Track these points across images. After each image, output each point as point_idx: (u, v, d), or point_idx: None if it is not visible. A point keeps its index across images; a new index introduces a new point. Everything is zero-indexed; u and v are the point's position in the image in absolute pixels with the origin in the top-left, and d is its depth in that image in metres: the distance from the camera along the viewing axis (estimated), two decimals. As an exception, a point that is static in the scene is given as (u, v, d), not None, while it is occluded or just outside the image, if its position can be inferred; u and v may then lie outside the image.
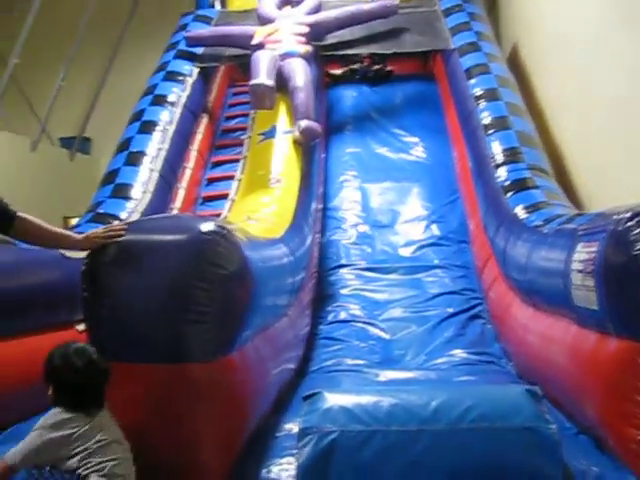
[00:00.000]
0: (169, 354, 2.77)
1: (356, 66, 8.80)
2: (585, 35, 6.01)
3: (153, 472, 2.77)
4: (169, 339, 2.76)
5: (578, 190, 6.12)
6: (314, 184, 6.61)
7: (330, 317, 5.72)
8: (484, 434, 2.65)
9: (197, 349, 2.78)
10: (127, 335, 2.78)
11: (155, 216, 3.67)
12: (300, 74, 6.75)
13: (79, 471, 2.48)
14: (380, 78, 8.66)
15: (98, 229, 3.00)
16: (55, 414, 2.56)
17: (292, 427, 3.26)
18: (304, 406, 2.91)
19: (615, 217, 2.95)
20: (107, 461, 2.50)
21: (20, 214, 2.84)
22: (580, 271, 3.16)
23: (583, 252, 3.18)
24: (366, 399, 2.86)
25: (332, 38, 7.99)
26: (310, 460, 2.70)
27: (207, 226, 2.91)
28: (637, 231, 2.78)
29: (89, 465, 2.48)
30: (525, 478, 2.59)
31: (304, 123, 6.35)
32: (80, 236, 2.97)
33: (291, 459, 2.89)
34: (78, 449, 2.50)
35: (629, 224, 2.82)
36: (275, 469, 2.88)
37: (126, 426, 2.75)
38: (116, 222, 3.00)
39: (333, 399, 2.87)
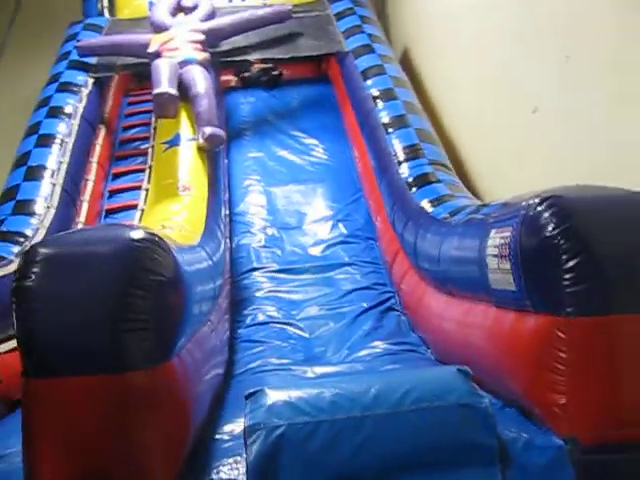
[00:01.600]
0: (109, 364, 2.75)
1: (247, 74, 8.85)
2: (472, 34, 6.35)
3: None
4: (108, 349, 2.74)
5: (475, 185, 6.44)
6: (221, 190, 6.65)
7: (248, 320, 5.76)
8: (424, 414, 2.80)
9: (138, 356, 2.77)
10: (64, 349, 2.75)
11: (82, 227, 3.64)
12: (201, 81, 6.76)
13: None
14: (273, 82, 8.75)
15: None
16: None
17: (233, 428, 3.30)
18: (247, 404, 2.97)
19: (525, 203, 3.17)
20: None
21: None
22: (495, 256, 3.37)
23: (497, 237, 3.39)
24: (308, 392, 2.95)
25: (227, 45, 8.05)
26: (260, 456, 2.77)
27: (138, 234, 2.93)
28: (546, 215, 3.00)
29: None
30: (465, 451, 2.77)
31: (208, 130, 6.38)
32: None
33: (238, 458, 2.92)
34: None
35: (539, 209, 3.04)
36: (225, 469, 2.91)
37: (71, 439, 2.74)
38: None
39: (276, 395, 2.95)
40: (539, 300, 3.03)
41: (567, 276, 2.88)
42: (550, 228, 2.96)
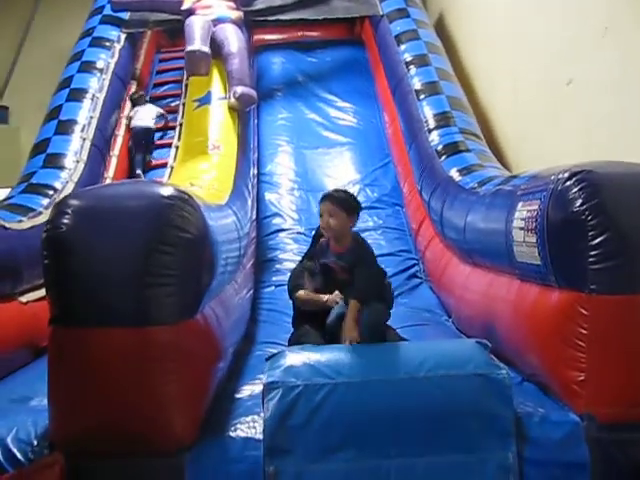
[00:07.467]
0: (135, 318, 2.80)
1: None
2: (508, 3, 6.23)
3: (121, 436, 2.83)
4: (135, 303, 2.79)
5: (505, 153, 6.38)
6: (250, 150, 6.66)
7: (272, 281, 5.81)
8: (440, 381, 2.82)
9: (163, 312, 2.81)
10: (92, 300, 2.80)
11: (114, 182, 3.67)
12: (234, 40, 6.74)
13: None
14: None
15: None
16: None
17: (253, 389, 3.35)
18: (267, 364, 3.02)
19: (554, 177, 3.13)
20: None
21: None
22: (522, 228, 3.36)
23: (524, 210, 3.37)
24: (327, 355, 2.99)
25: (261, 3, 7.98)
26: (276, 413, 2.82)
27: (167, 190, 2.95)
28: (575, 190, 2.97)
29: None
30: (480, 420, 2.79)
31: (240, 89, 6.37)
32: None
33: (256, 417, 2.98)
34: None
35: (568, 183, 3.00)
36: (243, 427, 2.96)
37: (92, 389, 2.80)
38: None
39: (295, 357, 2.99)
40: (563, 275, 3.01)
41: (592, 253, 2.86)
42: (578, 203, 2.92)
